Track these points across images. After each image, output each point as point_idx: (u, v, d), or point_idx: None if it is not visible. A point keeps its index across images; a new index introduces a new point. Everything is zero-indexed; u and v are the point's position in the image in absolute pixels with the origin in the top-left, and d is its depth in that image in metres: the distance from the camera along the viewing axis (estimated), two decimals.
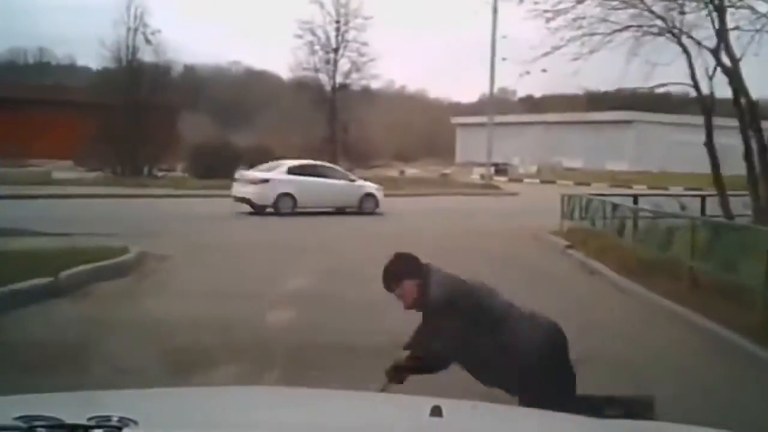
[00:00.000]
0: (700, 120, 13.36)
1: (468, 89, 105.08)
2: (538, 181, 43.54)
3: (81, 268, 8.33)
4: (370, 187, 20.85)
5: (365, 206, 19.98)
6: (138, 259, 9.89)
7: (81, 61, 34.79)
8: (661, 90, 15.48)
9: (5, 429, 1.46)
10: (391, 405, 2.25)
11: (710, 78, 12.54)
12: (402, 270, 3.41)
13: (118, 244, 10.68)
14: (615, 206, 12.39)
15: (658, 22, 12.94)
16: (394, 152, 49.86)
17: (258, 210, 18.65)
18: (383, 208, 20.39)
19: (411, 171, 44.17)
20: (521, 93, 74.28)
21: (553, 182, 41.73)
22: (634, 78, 13.87)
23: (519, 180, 42.91)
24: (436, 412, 1.78)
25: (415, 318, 3.48)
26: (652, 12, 12.87)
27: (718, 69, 12.23)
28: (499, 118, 40.78)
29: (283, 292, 8.14)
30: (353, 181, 20.81)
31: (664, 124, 52.69)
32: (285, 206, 18.58)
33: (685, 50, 12.78)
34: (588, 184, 36.19)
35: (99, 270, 8.61)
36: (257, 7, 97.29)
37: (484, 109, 51.20)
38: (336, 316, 6.97)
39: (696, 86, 12.77)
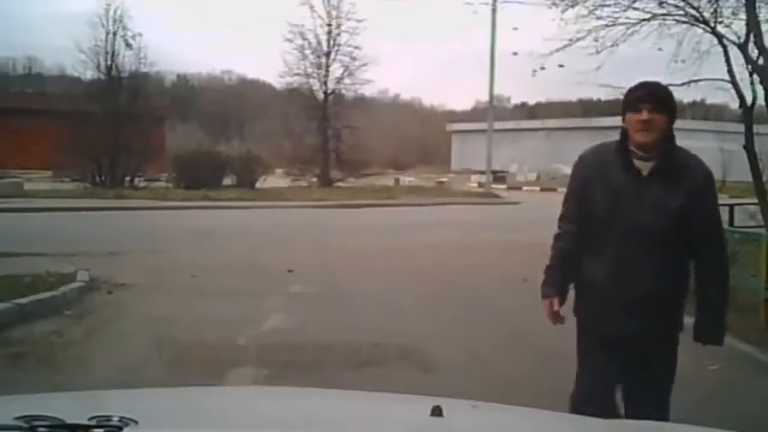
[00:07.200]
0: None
1: (463, 97, 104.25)
2: (538, 189, 42.07)
3: (1, 306, 6.67)
4: None
5: None
6: (85, 290, 8.23)
7: (70, 71, 33.53)
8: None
9: (6, 429, 1.45)
10: (391, 405, 2.15)
11: (750, 74, 11.16)
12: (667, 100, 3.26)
13: (69, 268, 9.11)
14: None
15: (690, 11, 11.55)
16: (389, 160, 48.43)
17: None
18: (379, 220, 18.76)
19: (406, 179, 42.61)
20: (516, 100, 73.31)
21: (554, 190, 40.32)
22: (659, 75, 12.69)
23: (518, 188, 41.37)
24: (437, 411, 1.74)
25: None
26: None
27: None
28: (496, 125, 39.34)
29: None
30: None
31: None
32: None
33: (721, 41, 11.38)
34: None
35: (28, 306, 6.93)
36: (251, 17, 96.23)
37: (479, 116, 49.85)
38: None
39: (733, 81, 11.34)
